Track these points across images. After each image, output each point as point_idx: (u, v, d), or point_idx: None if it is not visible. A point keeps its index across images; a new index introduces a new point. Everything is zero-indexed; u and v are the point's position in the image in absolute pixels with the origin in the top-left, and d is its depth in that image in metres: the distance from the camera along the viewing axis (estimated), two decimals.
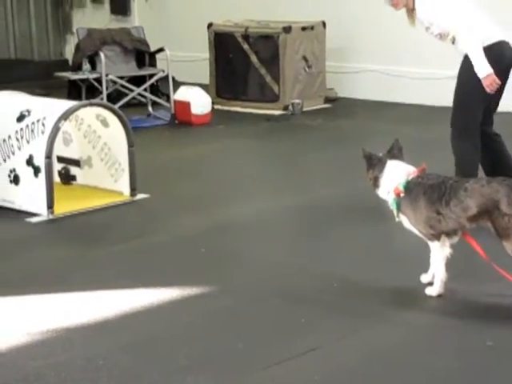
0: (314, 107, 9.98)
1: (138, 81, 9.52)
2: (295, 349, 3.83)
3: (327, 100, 10.18)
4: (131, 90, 9.36)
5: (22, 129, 5.91)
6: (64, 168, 6.59)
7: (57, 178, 6.46)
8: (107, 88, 9.10)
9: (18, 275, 4.84)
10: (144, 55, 9.83)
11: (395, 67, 10.01)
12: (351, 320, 4.15)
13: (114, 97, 9.18)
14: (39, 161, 5.80)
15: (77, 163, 6.58)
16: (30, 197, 5.87)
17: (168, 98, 9.47)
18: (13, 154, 5.94)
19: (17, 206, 5.94)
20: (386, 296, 4.41)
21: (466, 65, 5.47)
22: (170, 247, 5.30)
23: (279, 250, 5.19)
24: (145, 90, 9.47)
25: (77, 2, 12.77)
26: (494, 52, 5.43)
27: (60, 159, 6.54)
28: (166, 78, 9.44)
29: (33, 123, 5.89)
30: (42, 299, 4.46)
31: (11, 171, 5.96)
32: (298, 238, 5.43)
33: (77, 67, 9.46)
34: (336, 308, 4.30)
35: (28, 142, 5.87)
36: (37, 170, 5.81)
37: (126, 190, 6.31)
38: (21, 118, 5.96)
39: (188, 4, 11.77)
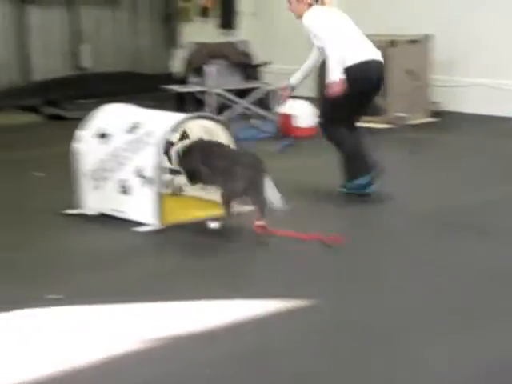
0: (420, 121, 9.88)
1: (243, 93, 9.62)
2: (399, 364, 3.79)
3: (433, 114, 10.07)
4: (236, 103, 9.47)
5: (132, 140, 6.05)
6: (172, 179, 6.71)
7: (165, 189, 6.56)
8: (213, 100, 9.23)
9: (127, 283, 4.94)
10: (249, 68, 9.93)
11: (507, 81, 9.83)
12: (462, 340, 4.09)
13: (219, 109, 9.30)
14: (149, 172, 5.92)
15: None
16: (140, 207, 6.00)
17: (272, 111, 9.55)
18: (123, 164, 6.08)
19: (127, 216, 6.07)
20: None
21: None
22: (276, 259, 5.32)
23: (387, 267, 5.15)
24: (250, 102, 9.56)
25: (184, 16, 13.01)
26: (358, 70, 6.41)
27: (169, 170, 6.64)
28: (270, 90, 9.52)
29: (143, 135, 6.02)
30: (151, 307, 4.55)
31: (122, 182, 6.10)
32: (403, 257, 5.38)
33: (185, 80, 9.63)
34: (446, 331, 4.24)
35: (138, 153, 6.00)
36: (146, 181, 5.94)
37: None
38: (131, 130, 6.10)
39: (294, 17, 11.81)
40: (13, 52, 12.09)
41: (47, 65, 12.32)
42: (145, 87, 11.63)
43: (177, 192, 6.72)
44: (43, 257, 5.42)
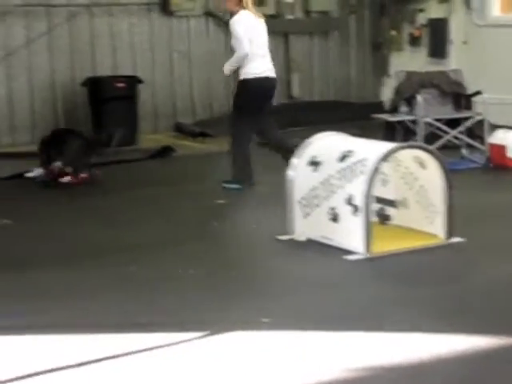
0: None
1: (453, 123, 9.51)
2: None
3: None
4: (446, 133, 9.37)
5: (343, 169, 6.13)
6: (380, 208, 6.73)
7: (373, 218, 6.59)
8: (423, 130, 9.19)
9: (335, 311, 4.99)
10: (460, 98, 9.80)
11: None
12: None
13: (428, 139, 9.23)
14: (359, 200, 5.98)
15: (393, 204, 6.70)
16: (349, 235, 6.06)
17: (482, 141, 9.37)
18: (334, 192, 6.17)
19: (335, 244, 6.14)
20: None
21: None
22: (486, 293, 5.22)
23: None
24: (460, 132, 9.44)
25: (395, 45, 13.02)
26: (259, 82, 8.21)
27: (377, 199, 6.68)
28: (481, 120, 9.36)
29: (354, 164, 6.09)
30: (358, 336, 4.57)
31: (331, 209, 6.19)
32: None
33: (394, 109, 9.65)
34: None
35: (349, 181, 6.07)
36: (356, 209, 5.99)
37: (441, 233, 6.31)
38: (343, 158, 6.18)
39: (507, 46, 11.57)
40: (230, 81, 12.57)
41: None
42: (353, 116, 11.73)
43: (384, 221, 6.74)
44: (256, 280, 5.59)
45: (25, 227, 7.16)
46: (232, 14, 8.37)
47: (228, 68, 8.37)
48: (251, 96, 8.29)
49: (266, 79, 8.32)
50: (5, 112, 10.99)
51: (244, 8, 8.22)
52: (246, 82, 8.29)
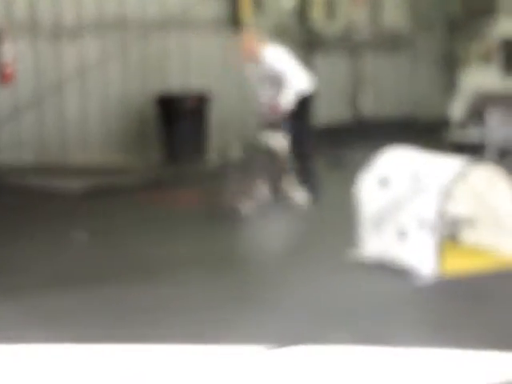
0: None
1: None
2: None
3: None
4: None
5: (413, 186, 6.08)
6: (450, 226, 6.65)
7: (443, 236, 6.53)
8: (494, 148, 9.10)
9: (400, 329, 4.94)
10: None
11: None
12: None
13: (499, 157, 9.13)
14: (428, 218, 5.92)
15: (462, 222, 6.62)
16: (418, 253, 6.00)
17: None
18: (403, 210, 6.11)
19: (404, 262, 6.08)
20: None
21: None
22: None
23: None
24: None
25: (466, 61, 12.89)
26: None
27: (447, 217, 6.60)
28: None
29: (423, 181, 6.04)
30: (427, 353, 4.51)
31: (400, 228, 6.13)
32: None
33: (464, 127, 9.58)
34: None
35: (418, 199, 6.02)
36: (425, 228, 5.94)
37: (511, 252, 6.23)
38: (412, 176, 6.13)
39: None
40: None
41: (329, 111, 12.73)
42: (422, 133, 11.65)
43: (453, 240, 6.66)
44: (322, 299, 5.57)
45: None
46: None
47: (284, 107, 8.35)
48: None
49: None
50: (78, 128, 11.18)
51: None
52: None
